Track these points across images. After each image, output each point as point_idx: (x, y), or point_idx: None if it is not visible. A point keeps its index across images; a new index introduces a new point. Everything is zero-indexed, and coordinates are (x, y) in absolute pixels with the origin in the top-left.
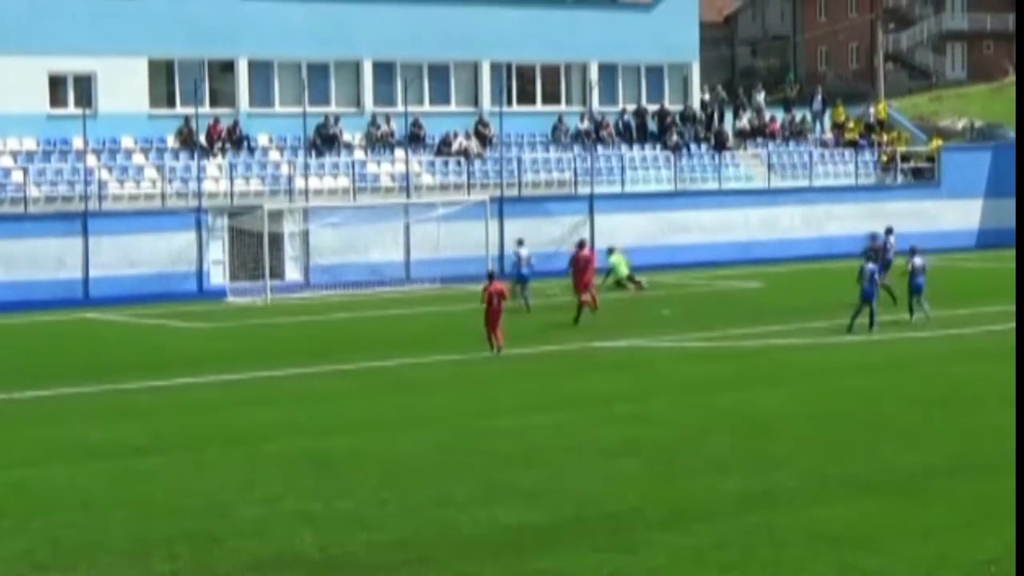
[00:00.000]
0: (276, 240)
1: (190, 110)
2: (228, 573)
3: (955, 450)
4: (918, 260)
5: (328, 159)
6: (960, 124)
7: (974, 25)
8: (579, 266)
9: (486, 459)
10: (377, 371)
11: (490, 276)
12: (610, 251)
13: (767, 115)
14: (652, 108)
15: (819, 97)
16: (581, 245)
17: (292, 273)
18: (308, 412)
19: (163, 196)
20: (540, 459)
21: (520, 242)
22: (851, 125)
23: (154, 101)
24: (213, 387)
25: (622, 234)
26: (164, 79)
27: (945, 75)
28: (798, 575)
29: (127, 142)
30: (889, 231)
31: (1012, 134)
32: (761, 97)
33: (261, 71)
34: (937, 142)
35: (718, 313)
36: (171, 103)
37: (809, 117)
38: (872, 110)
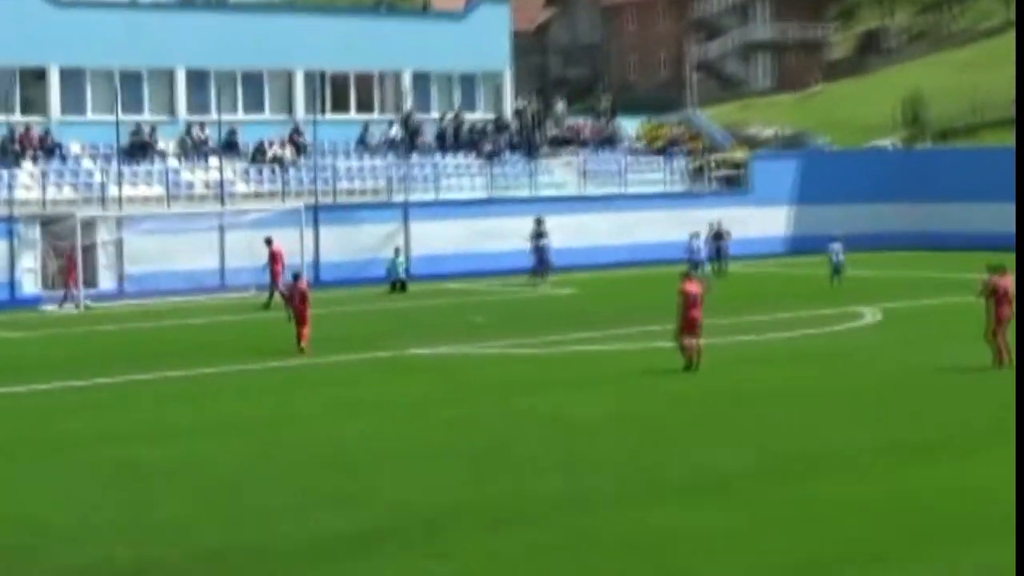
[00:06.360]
0: (90, 248)
1: (0, 118)
2: None
3: (765, 451)
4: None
5: (142, 167)
6: (768, 132)
7: (779, 35)
8: (274, 259)
9: (301, 467)
10: (191, 379)
11: (295, 276)
12: (397, 252)
13: (566, 124)
14: (466, 116)
15: (604, 106)
16: (268, 241)
17: (106, 281)
18: (120, 421)
19: None
20: (355, 465)
21: (696, 234)
22: (660, 133)
23: None
24: (24, 397)
25: (436, 242)
26: None
27: (753, 84)
28: None
29: None
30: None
31: (818, 142)
32: (560, 107)
33: (73, 79)
34: (743, 149)
35: (531, 320)
36: None
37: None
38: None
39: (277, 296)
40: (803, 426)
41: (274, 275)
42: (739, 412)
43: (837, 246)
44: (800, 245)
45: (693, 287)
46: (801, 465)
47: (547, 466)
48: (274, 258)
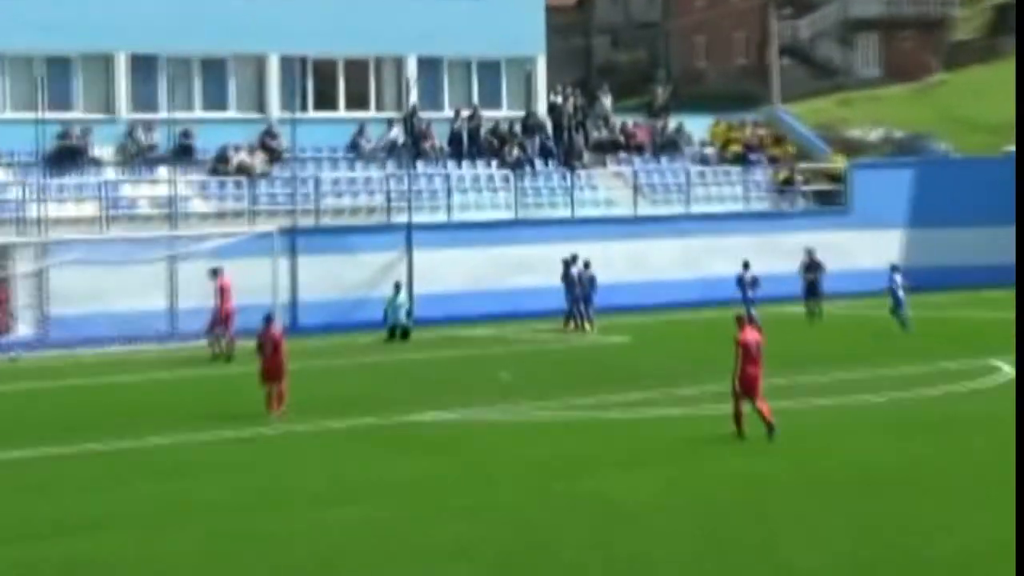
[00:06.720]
0: (4, 283)
1: None
2: None
3: (866, 545)
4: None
5: (71, 179)
6: (874, 134)
7: (889, 10)
8: (223, 296)
9: (275, 565)
10: (134, 452)
11: (267, 319)
12: (397, 288)
13: (615, 124)
14: (487, 114)
15: (663, 102)
16: (215, 273)
17: (24, 327)
18: (47, 506)
19: None
20: (345, 565)
21: (746, 264)
22: (736, 136)
23: None
24: None
25: (448, 274)
26: None
27: (855, 72)
28: None
29: None
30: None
31: (938, 146)
32: (607, 103)
33: None
34: (842, 157)
35: (572, 376)
36: None
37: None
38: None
39: (230, 344)
40: (907, 518)
41: (224, 317)
42: (828, 498)
43: (898, 278)
44: (915, 279)
45: (752, 336)
46: (902, 569)
47: (588, 566)
48: (222, 294)
